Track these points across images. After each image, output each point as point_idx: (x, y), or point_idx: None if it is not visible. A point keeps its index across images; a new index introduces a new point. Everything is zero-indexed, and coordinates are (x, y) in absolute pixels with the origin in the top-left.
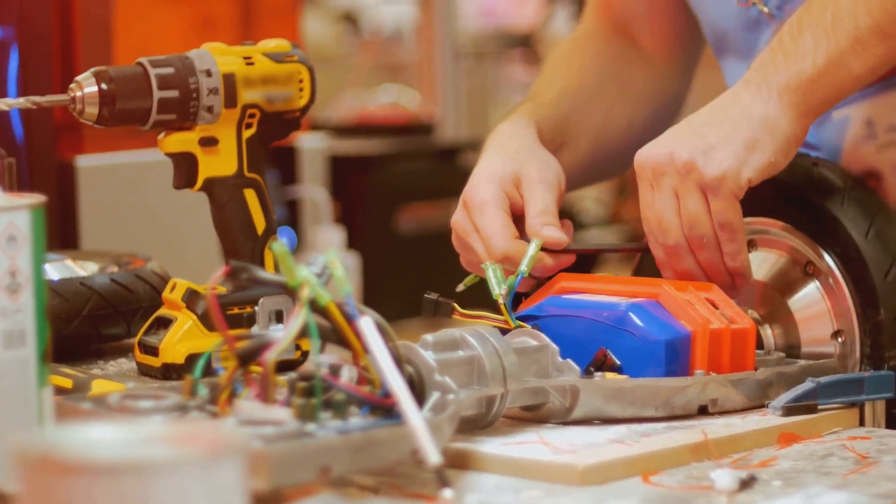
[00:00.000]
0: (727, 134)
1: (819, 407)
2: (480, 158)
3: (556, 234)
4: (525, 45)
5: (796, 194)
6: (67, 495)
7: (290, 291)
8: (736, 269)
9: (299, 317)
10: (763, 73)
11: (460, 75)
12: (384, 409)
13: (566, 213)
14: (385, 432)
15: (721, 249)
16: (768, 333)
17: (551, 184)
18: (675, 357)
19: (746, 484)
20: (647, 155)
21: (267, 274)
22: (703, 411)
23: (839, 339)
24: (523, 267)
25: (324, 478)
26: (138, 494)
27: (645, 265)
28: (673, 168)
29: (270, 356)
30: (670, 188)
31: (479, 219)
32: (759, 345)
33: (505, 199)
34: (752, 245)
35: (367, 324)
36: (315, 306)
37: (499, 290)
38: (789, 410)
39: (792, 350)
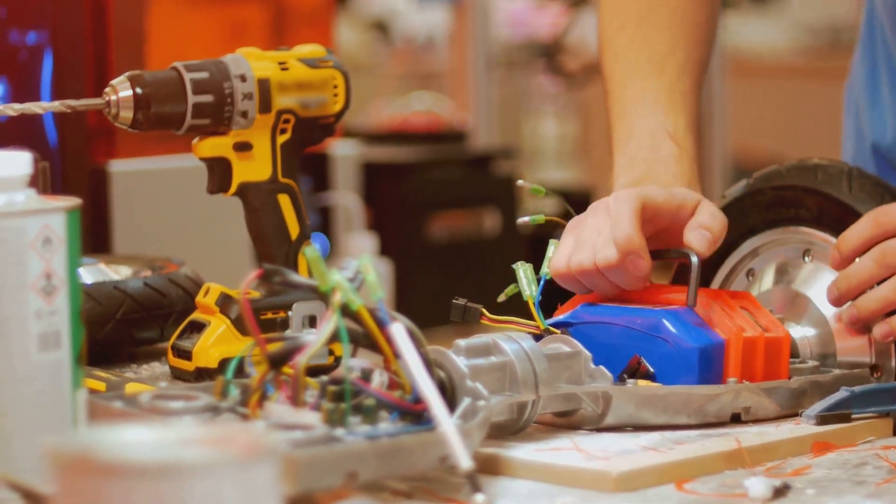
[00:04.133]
0: None
1: (853, 416)
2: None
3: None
4: (551, 56)
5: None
6: (104, 497)
7: (322, 296)
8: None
9: (331, 321)
10: None
11: (493, 84)
12: (414, 414)
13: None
14: (413, 438)
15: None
16: (804, 342)
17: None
18: (709, 365)
19: (780, 492)
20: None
21: (300, 277)
22: (736, 419)
23: (874, 375)
24: (545, 269)
25: (351, 483)
26: (176, 496)
27: (682, 273)
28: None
29: (301, 359)
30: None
31: (613, 203)
32: (795, 353)
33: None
34: (807, 254)
35: (398, 329)
36: (347, 311)
37: (529, 291)
38: (823, 419)
39: (827, 359)
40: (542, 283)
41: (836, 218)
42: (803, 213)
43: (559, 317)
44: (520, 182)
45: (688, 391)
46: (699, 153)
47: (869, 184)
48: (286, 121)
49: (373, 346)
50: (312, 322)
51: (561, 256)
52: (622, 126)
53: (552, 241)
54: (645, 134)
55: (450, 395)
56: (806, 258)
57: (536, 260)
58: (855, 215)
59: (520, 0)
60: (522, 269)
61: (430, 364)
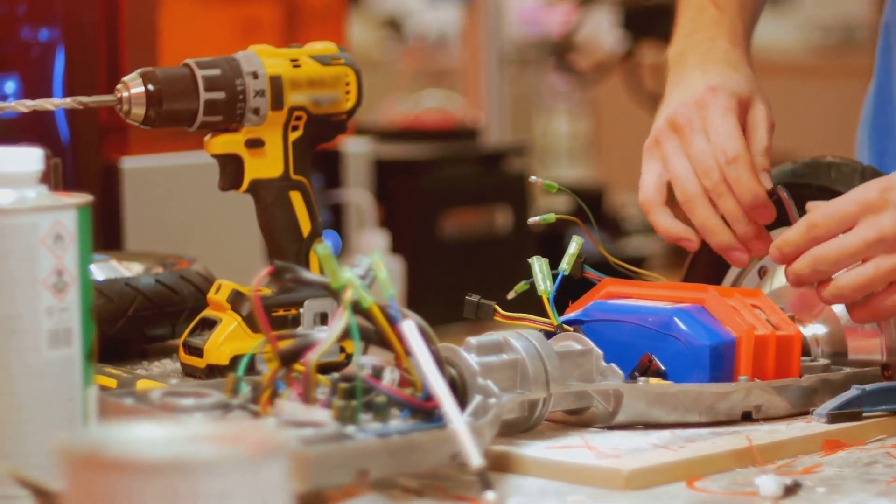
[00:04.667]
0: None
1: (864, 414)
2: (697, 69)
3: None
4: (561, 53)
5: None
6: (115, 494)
7: (333, 293)
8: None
9: (342, 318)
10: None
11: (505, 81)
12: (425, 412)
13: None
14: (424, 436)
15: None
16: (815, 340)
17: (771, 126)
18: (720, 363)
19: (791, 490)
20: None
21: (311, 274)
22: (747, 417)
23: (885, 373)
24: (564, 265)
25: (361, 481)
26: (187, 493)
27: (694, 271)
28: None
29: (312, 357)
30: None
31: (712, 117)
32: (806, 352)
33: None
34: None
35: (410, 326)
36: (358, 308)
37: (544, 286)
38: (834, 417)
39: (838, 358)
40: (559, 278)
41: None
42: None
43: (571, 314)
44: (532, 178)
45: (699, 389)
46: (745, 11)
47: None
48: (298, 118)
49: (384, 344)
50: (324, 319)
51: (649, 184)
52: (678, 14)
53: (575, 238)
54: (693, 9)
55: (461, 393)
56: None
57: (548, 257)
58: None
59: None
60: (538, 263)
61: (441, 361)
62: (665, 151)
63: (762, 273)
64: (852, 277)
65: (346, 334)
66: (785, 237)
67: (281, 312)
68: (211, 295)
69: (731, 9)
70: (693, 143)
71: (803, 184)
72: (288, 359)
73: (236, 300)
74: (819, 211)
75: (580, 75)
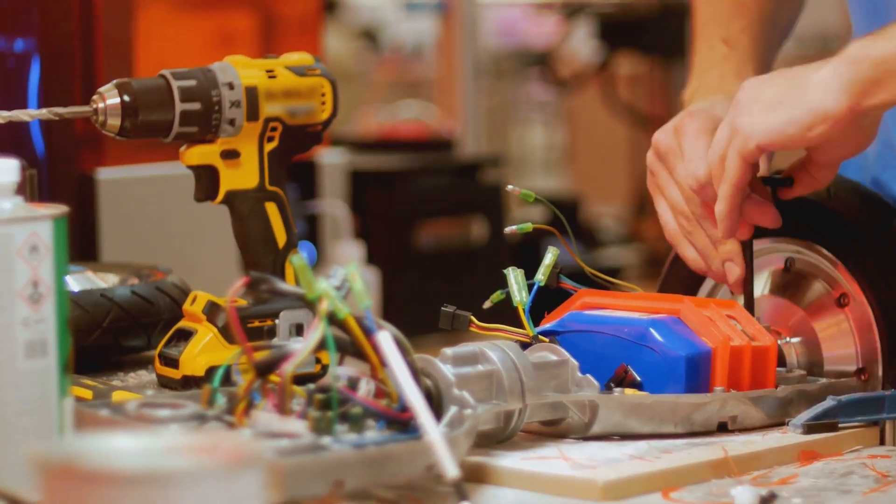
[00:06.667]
0: (765, 90)
1: (840, 425)
2: (696, 97)
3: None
4: (543, 64)
5: (847, 222)
6: None
7: (309, 304)
8: (718, 216)
9: (318, 330)
10: (829, 60)
11: (481, 92)
12: (400, 423)
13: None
14: (400, 447)
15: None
16: (791, 351)
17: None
18: (696, 373)
19: (766, 501)
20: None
21: (286, 285)
22: (722, 428)
23: (861, 377)
24: (539, 276)
25: (337, 492)
26: None
27: (669, 282)
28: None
29: (288, 368)
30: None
31: (685, 140)
32: (782, 362)
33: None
34: (790, 262)
35: (385, 337)
36: (334, 319)
37: (520, 296)
38: (810, 428)
39: (814, 368)
40: (534, 289)
41: (818, 224)
42: (786, 221)
43: (547, 325)
44: (509, 187)
45: (675, 400)
46: (758, 49)
47: (848, 189)
48: (274, 129)
49: (360, 355)
50: (299, 330)
51: (670, 219)
52: (694, 49)
53: (551, 248)
54: (704, 42)
55: (436, 404)
56: (789, 266)
57: (524, 268)
58: (836, 221)
59: (508, 9)
60: (513, 274)
61: (416, 372)
62: (659, 182)
63: None
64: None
65: (321, 345)
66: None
67: (256, 323)
68: (186, 306)
69: (741, 44)
70: (676, 168)
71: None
72: (263, 370)
73: (212, 311)
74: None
75: (561, 85)
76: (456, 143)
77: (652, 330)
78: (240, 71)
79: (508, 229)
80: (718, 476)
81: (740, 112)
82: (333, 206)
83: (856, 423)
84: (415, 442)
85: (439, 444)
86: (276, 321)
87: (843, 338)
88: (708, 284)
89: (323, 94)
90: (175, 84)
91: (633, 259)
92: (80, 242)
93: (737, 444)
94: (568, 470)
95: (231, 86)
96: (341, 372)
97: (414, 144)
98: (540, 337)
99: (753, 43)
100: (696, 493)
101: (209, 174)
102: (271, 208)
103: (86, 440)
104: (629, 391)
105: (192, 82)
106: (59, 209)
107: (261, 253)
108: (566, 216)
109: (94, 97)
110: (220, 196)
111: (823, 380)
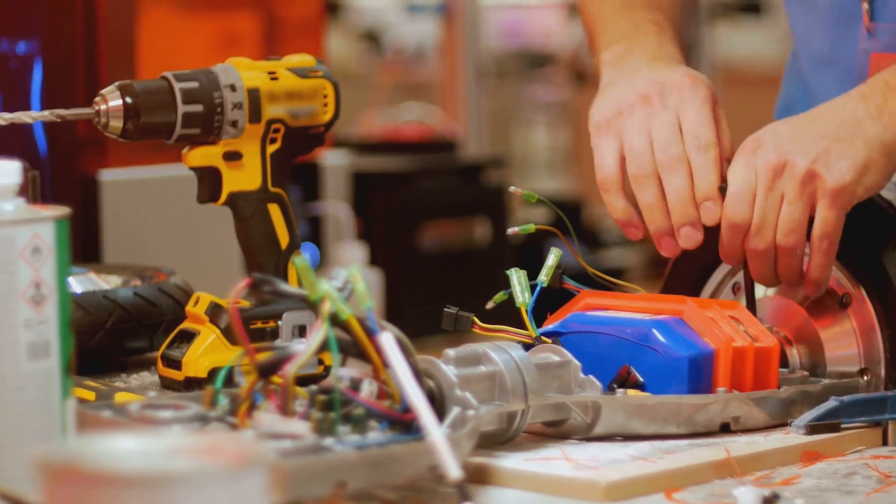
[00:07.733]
0: (846, 149)
1: (842, 426)
2: (658, 63)
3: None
4: (547, 65)
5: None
6: None
7: (311, 305)
8: (816, 280)
9: (320, 331)
10: (884, 95)
11: (483, 94)
12: (403, 424)
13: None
14: (403, 448)
15: (811, 259)
16: (794, 352)
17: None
18: (698, 374)
19: (769, 502)
20: (766, 158)
21: (289, 286)
22: (725, 429)
23: (864, 377)
24: (542, 277)
25: (340, 493)
26: None
27: (672, 283)
28: (794, 174)
29: (291, 369)
30: (780, 192)
31: (692, 102)
32: (785, 363)
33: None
34: None
35: (388, 339)
36: (336, 320)
37: (522, 297)
38: (812, 429)
39: (817, 369)
40: (537, 290)
41: None
42: None
43: (549, 326)
44: (511, 188)
45: (677, 401)
46: (682, 40)
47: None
48: (276, 130)
49: (362, 356)
50: (302, 332)
51: (610, 163)
52: (603, 30)
53: (553, 249)
54: (627, 23)
55: (439, 405)
56: None
57: (527, 269)
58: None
59: (510, 10)
60: (516, 275)
61: (419, 373)
62: (624, 125)
63: (736, 290)
64: (785, 220)
65: (324, 346)
66: (724, 251)
67: (259, 325)
68: (189, 307)
69: (669, 24)
70: (660, 115)
71: None
72: (266, 371)
73: (214, 312)
74: (726, 208)
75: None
76: (459, 144)
77: (655, 331)
78: (242, 73)
79: (511, 230)
80: (721, 477)
81: (827, 174)
82: (336, 208)
83: (858, 424)
84: (417, 443)
85: (442, 444)
86: (279, 322)
87: (845, 338)
88: (711, 286)
89: (325, 96)
90: (177, 86)
91: (636, 260)
92: (83, 244)
93: (739, 445)
94: (571, 471)
95: (233, 87)
96: (344, 373)
97: (417, 146)
98: (543, 338)
99: (675, 27)
100: (698, 494)
101: (212, 176)
102: (274, 210)
103: (88, 442)
104: (632, 392)
105: (194, 84)
106: (62, 211)
107: (263, 254)
108: (569, 217)
109: (97, 99)
110: (223, 198)
111: (826, 380)
